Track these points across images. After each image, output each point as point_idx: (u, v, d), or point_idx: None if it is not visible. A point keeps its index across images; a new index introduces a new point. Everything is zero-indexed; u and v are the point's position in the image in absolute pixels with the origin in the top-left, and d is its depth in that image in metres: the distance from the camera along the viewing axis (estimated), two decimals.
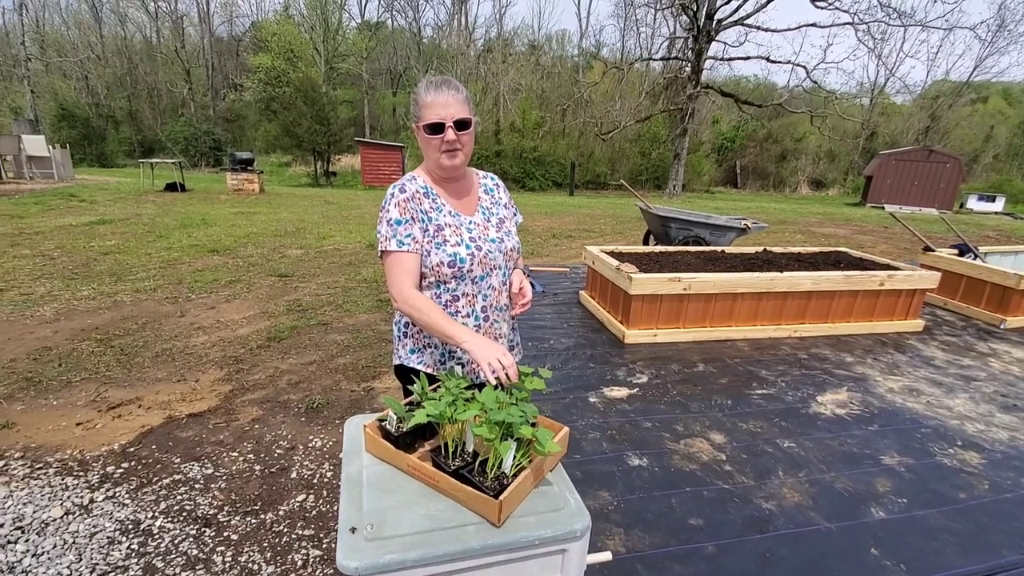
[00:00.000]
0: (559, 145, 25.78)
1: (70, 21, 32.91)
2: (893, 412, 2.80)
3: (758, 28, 21.63)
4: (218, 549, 1.94)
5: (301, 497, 2.26)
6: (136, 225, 8.74)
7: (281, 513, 2.16)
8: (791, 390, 3.02)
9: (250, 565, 1.87)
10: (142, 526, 2.04)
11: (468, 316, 1.41)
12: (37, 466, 2.39)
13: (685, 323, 3.75)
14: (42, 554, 1.87)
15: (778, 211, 16.44)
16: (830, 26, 21.01)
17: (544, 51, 36.11)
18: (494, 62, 30.21)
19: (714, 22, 21.06)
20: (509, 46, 33.96)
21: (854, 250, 4.93)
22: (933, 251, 4.82)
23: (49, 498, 2.17)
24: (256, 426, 2.82)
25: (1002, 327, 4.24)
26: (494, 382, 1.17)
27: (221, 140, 29.32)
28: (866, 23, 20.14)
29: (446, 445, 1.08)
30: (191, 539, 1.99)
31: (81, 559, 1.85)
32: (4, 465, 2.39)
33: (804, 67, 21.73)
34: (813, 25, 20.89)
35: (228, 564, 1.87)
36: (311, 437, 2.73)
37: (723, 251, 4.76)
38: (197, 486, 2.30)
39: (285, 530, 2.06)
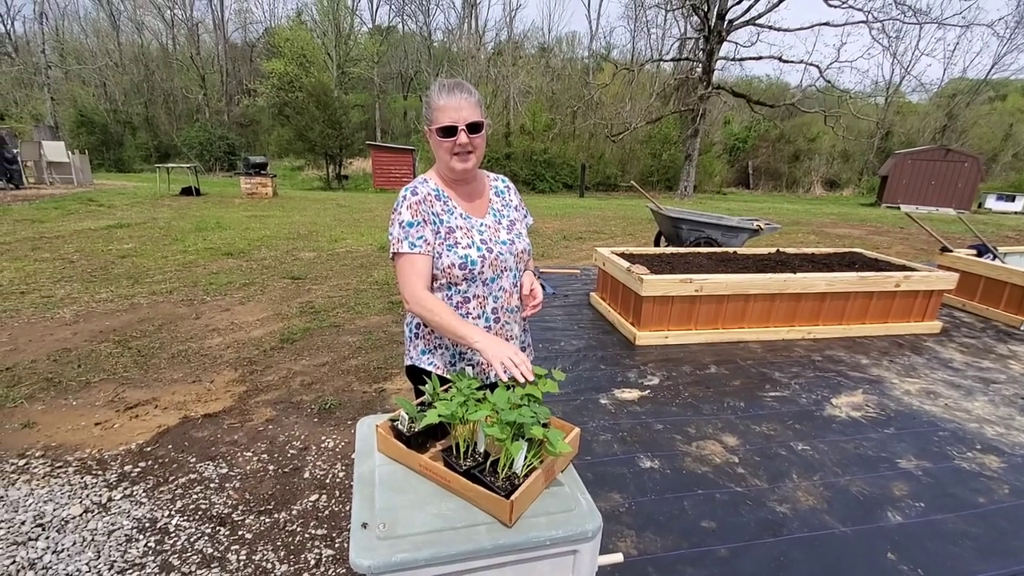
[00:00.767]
0: (569, 147, 25.76)
1: (89, 29, 33.65)
2: (910, 415, 2.76)
3: (770, 28, 21.45)
4: (233, 548, 1.97)
5: (314, 497, 2.28)
6: (152, 229, 8.89)
7: (294, 512, 2.18)
8: (805, 392, 2.99)
9: (264, 564, 1.89)
10: (159, 524, 2.07)
11: (479, 318, 1.42)
12: (57, 465, 2.44)
13: (697, 325, 3.73)
14: (62, 551, 1.90)
15: (791, 212, 16.27)
16: (844, 24, 20.75)
17: (554, 53, 36.14)
18: (504, 65, 30.30)
19: (725, 22, 20.92)
20: (519, 49, 34.05)
21: (869, 251, 4.86)
22: (951, 252, 4.74)
23: (69, 496, 2.21)
24: (270, 427, 2.85)
25: (1022, 329, 4.16)
26: (507, 380, 1.17)
27: (235, 145, 29.73)
28: (880, 21, 19.87)
29: (457, 445, 1.09)
30: (206, 537, 2.01)
31: (100, 556, 1.89)
32: (26, 464, 2.44)
33: (817, 66, 21.48)
34: (826, 24, 20.65)
35: (243, 563, 1.90)
36: (324, 438, 2.76)
37: (735, 252, 4.72)
38: (212, 485, 2.33)
39: (298, 529, 2.08)
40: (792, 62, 22.28)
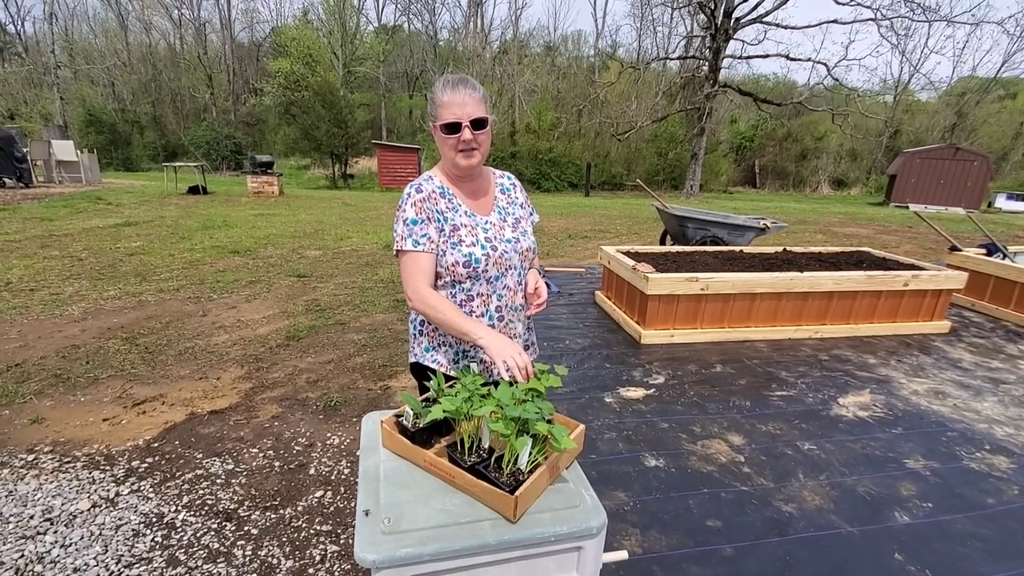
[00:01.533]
0: (575, 146, 25.70)
1: (97, 29, 33.90)
2: (918, 415, 2.74)
3: (777, 26, 21.30)
4: (239, 543, 1.98)
5: (319, 493, 2.29)
6: (160, 227, 8.95)
7: (300, 509, 2.19)
8: (812, 392, 2.98)
9: (269, 559, 1.90)
10: (165, 519, 2.09)
11: (483, 316, 1.41)
12: (66, 460, 2.46)
13: (703, 323, 3.72)
14: (70, 545, 1.92)
15: (798, 211, 16.17)
16: (852, 22, 20.55)
17: (560, 52, 36.07)
18: (510, 64, 30.26)
19: (732, 20, 20.81)
20: (525, 47, 34.01)
21: (877, 250, 4.83)
22: (960, 251, 4.70)
23: (77, 491, 2.23)
24: (275, 423, 2.87)
25: None
26: (508, 379, 1.17)
27: (242, 144, 29.87)
28: (889, 19, 19.71)
29: (462, 441, 1.09)
30: (213, 533, 2.02)
31: (107, 551, 1.90)
32: (34, 459, 2.46)
33: (825, 64, 21.32)
34: (834, 22, 20.49)
35: (248, 558, 1.90)
36: (329, 434, 2.77)
37: (741, 251, 4.70)
38: (218, 481, 2.35)
39: (304, 525, 2.09)
40: (800, 60, 22.15)
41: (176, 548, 1.94)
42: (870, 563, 1.72)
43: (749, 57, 23.12)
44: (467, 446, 1.08)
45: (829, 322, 3.87)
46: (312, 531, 2.06)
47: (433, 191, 1.38)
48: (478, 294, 1.40)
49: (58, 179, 15.57)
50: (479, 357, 1.45)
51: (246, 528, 2.06)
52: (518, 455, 1.00)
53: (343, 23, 31.02)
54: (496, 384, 1.44)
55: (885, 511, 1.98)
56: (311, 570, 1.86)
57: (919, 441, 2.48)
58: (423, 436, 1.13)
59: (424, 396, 1.30)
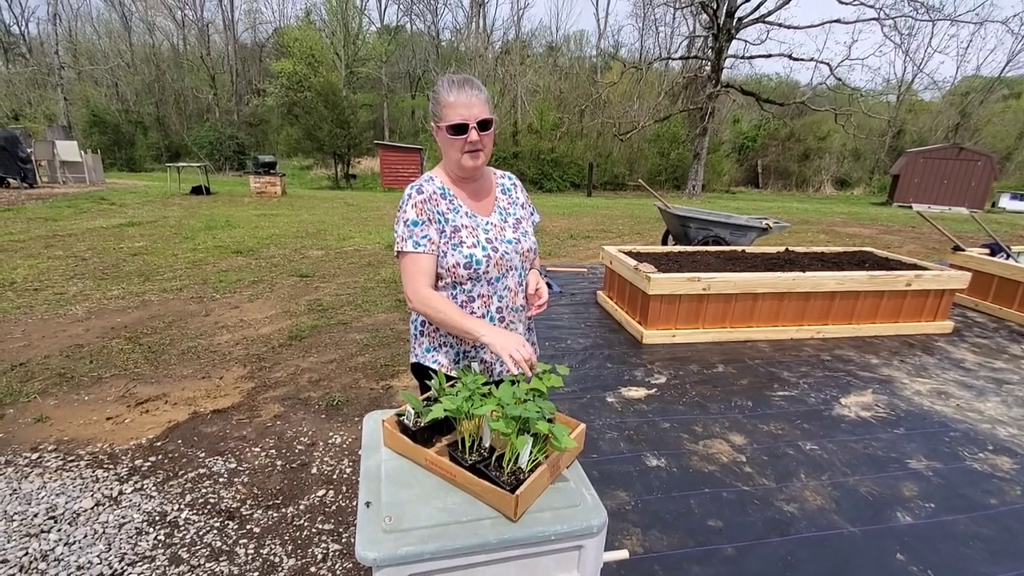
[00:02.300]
0: (577, 146, 25.69)
1: (101, 30, 34.01)
2: (920, 415, 2.73)
3: (780, 25, 21.25)
4: (241, 541, 1.98)
5: (321, 492, 2.30)
6: (163, 227, 8.98)
7: (302, 507, 2.20)
8: (814, 392, 2.97)
9: (272, 558, 1.91)
10: (168, 518, 2.09)
11: (483, 317, 1.42)
12: (69, 459, 2.47)
13: (704, 323, 3.71)
14: (73, 543, 1.93)
15: (801, 211, 16.13)
16: (855, 22, 20.50)
17: (562, 52, 36.06)
18: (512, 64, 30.26)
19: (735, 20, 20.77)
20: (527, 48, 34.01)
21: (880, 250, 4.82)
22: (963, 251, 4.68)
23: (80, 489, 2.24)
24: (278, 422, 2.88)
25: None
26: (516, 371, 1.17)
27: (244, 144, 29.94)
28: (892, 18, 19.66)
29: (463, 440, 1.09)
30: (215, 531, 2.03)
31: (110, 548, 1.91)
32: (38, 457, 2.47)
33: (828, 64, 21.28)
34: (837, 21, 20.44)
35: (251, 556, 1.91)
36: (331, 434, 2.77)
37: (743, 251, 4.69)
38: (221, 480, 2.36)
39: (305, 524, 2.10)
40: (802, 60, 22.09)
41: (179, 547, 1.95)
42: (872, 563, 1.72)
43: (752, 57, 23.10)
44: (468, 445, 1.09)
45: (831, 322, 3.86)
46: (314, 530, 2.06)
47: (434, 192, 1.38)
48: (479, 295, 1.40)
49: (62, 179, 15.64)
50: (480, 357, 1.46)
51: (248, 527, 2.07)
52: (519, 454, 1.01)
53: (346, 24, 31.07)
54: (497, 383, 1.44)
55: (887, 511, 1.97)
56: (313, 568, 1.87)
57: (921, 441, 2.47)
58: (424, 435, 1.14)
59: (425, 395, 1.30)
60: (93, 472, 2.37)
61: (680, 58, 26.65)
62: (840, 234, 10.88)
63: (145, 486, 2.29)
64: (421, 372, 1.51)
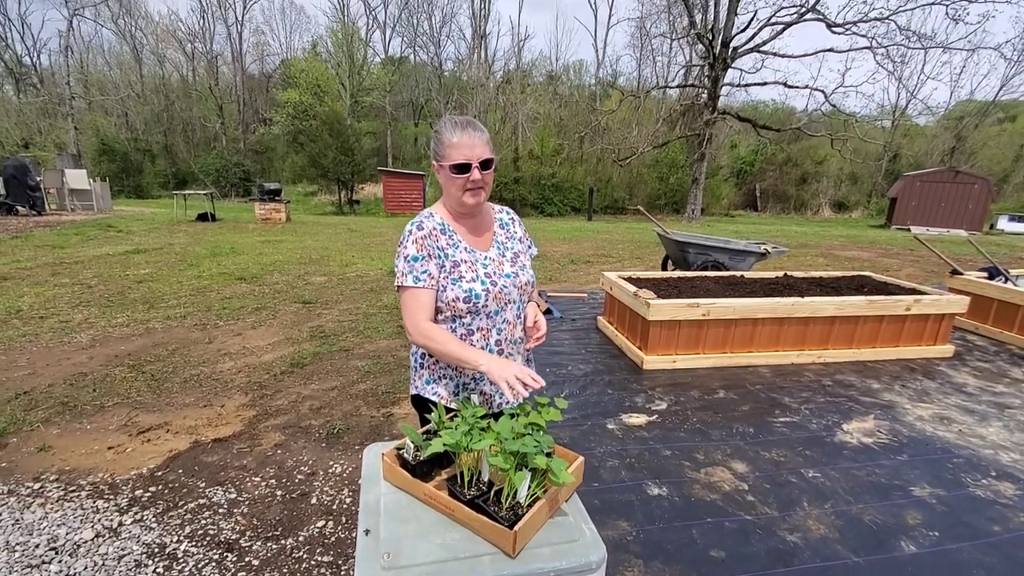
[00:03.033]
0: (577, 171, 26.05)
1: (112, 62, 34.94)
2: (923, 441, 2.72)
3: (774, 55, 21.75)
4: (239, 574, 1.97)
5: (321, 523, 2.29)
6: (169, 254, 9.08)
7: (301, 539, 2.18)
8: (815, 418, 2.96)
9: None
10: (167, 550, 2.09)
11: (483, 349, 1.45)
12: (71, 489, 2.47)
13: (705, 349, 3.72)
14: (74, 575, 1.92)
15: (799, 234, 16.23)
16: (847, 51, 20.98)
17: (562, 81, 36.82)
18: (513, 92, 30.91)
19: (730, 50, 21.27)
20: (527, 77, 34.75)
21: (879, 274, 4.84)
22: (961, 274, 4.71)
23: (81, 520, 2.24)
24: (278, 451, 2.87)
25: None
26: (513, 400, 1.20)
27: (250, 171, 30.44)
28: (885, 47, 20.10)
29: (462, 474, 1.11)
30: (214, 564, 2.02)
31: None
32: (40, 487, 2.48)
33: (823, 91, 21.66)
34: (830, 50, 20.90)
35: None
36: (331, 463, 2.77)
37: (742, 276, 4.73)
38: (221, 511, 2.35)
39: (304, 556, 2.08)
40: (797, 87, 22.50)
41: None
42: None
43: (747, 85, 23.55)
44: (467, 479, 1.10)
45: (832, 347, 3.87)
46: (313, 562, 2.05)
47: (434, 228, 1.43)
48: (478, 328, 1.43)
49: (70, 207, 15.87)
50: (479, 389, 1.48)
51: (247, 559, 2.06)
52: (517, 489, 1.02)
53: (351, 55, 31.90)
54: (497, 416, 1.46)
55: (891, 540, 1.96)
56: None
57: (925, 468, 2.46)
58: (424, 469, 1.15)
59: (425, 428, 1.32)
60: (94, 503, 2.37)
61: (677, 86, 27.20)
62: (839, 257, 10.92)
63: (145, 517, 2.28)
64: (421, 404, 1.53)
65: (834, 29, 20.12)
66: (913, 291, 4.17)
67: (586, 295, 6.06)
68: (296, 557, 2.08)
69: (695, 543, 1.94)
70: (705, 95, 22.55)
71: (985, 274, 4.78)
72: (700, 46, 22.32)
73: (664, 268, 7.53)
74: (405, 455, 1.18)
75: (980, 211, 20.13)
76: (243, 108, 34.85)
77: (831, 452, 2.60)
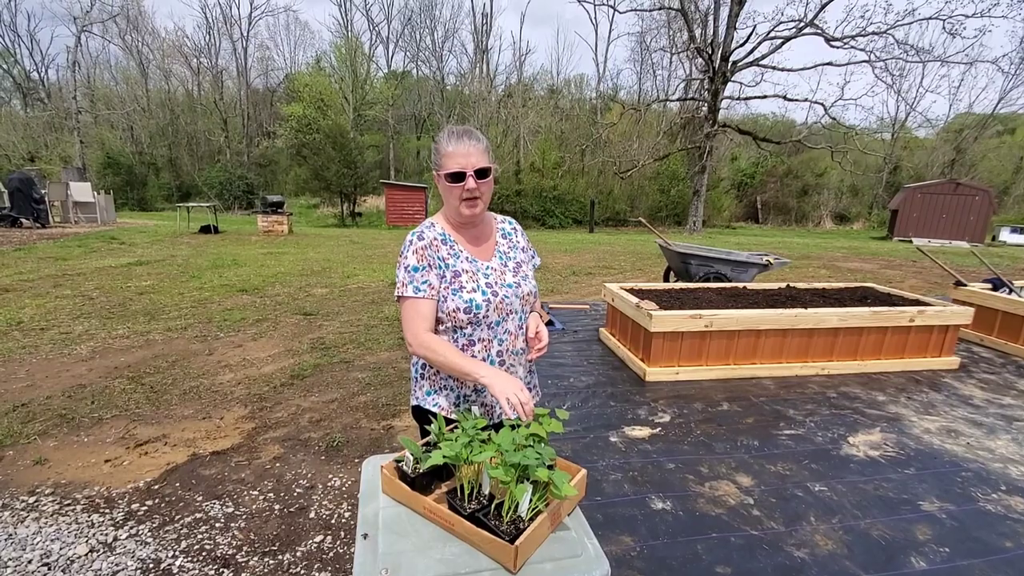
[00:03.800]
0: (578, 184, 26.17)
1: (119, 77, 35.40)
2: (931, 454, 2.68)
3: (774, 68, 21.96)
4: None
5: (319, 538, 2.25)
6: (171, 266, 9.10)
7: (299, 554, 2.15)
8: (821, 430, 2.92)
9: None
10: (163, 565, 2.05)
11: (484, 361, 1.43)
12: (66, 502, 2.44)
13: (708, 360, 3.69)
14: None
15: (801, 246, 16.22)
16: (846, 64, 21.18)
17: (563, 94, 37.16)
18: (514, 106, 31.19)
19: (729, 63, 21.48)
20: (529, 91, 35.08)
21: (882, 285, 4.82)
22: (964, 286, 4.69)
23: (76, 535, 2.20)
24: (277, 464, 2.84)
25: None
26: (512, 415, 1.18)
27: (254, 184, 30.64)
28: (883, 60, 20.28)
29: (462, 487, 1.09)
30: None
31: None
32: (35, 501, 2.44)
33: (822, 104, 21.82)
34: (829, 64, 21.09)
35: None
36: (331, 476, 2.73)
37: (745, 287, 4.71)
38: (217, 525, 2.31)
39: (302, 572, 2.05)
40: (797, 100, 22.68)
41: None
42: None
43: (747, 98, 23.73)
44: (467, 492, 1.08)
45: (836, 358, 3.83)
46: None
47: (435, 238, 1.42)
48: (479, 339, 1.41)
49: (74, 219, 15.95)
50: (480, 400, 1.46)
51: (243, 575, 2.02)
52: (518, 502, 1.00)
53: (354, 70, 32.26)
54: (497, 428, 1.44)
55: (901, 556, 1.91)
56: None
57: (933, 482, 2.42)
58: (423, 481, 1.13)
59: (425, 440, 1.30)
60: (89, 517, 2.34)
61: (678, 100, 27.42)
62: (841, 269, 10.90)
63: (140, 532, 2.25)
64: (421, 415, 1.51)
65: (832, 43, 20.33)
66: (917, 302, 4.15)
67: (588, 306, 6.04)
68: (293, 573, 2.04)
69: (700, 559, 1.90)
70: (705, 108, 22.73)
71: (989, 286, 4.75)
72: (700, 60, 22.55)
73: (666, 280, 7.52)
74: (404, 468, 1.16)
75: (981, 223, 20.13)
76: (247, 122, 35.19)
77: (837, 465, 2.56)
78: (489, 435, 1.14)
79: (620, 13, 24.20)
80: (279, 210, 15.30)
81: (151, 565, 2.05)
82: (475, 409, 1.43)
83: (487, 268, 1.44)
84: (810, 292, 4.58)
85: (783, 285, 4.80)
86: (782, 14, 25.83)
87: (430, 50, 37.69)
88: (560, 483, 0.99)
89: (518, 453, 1.02)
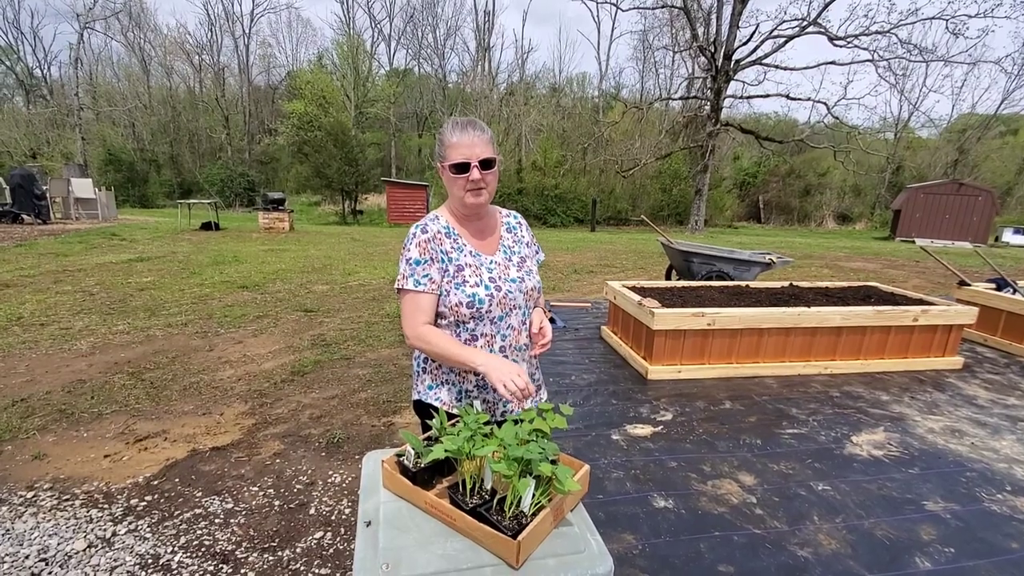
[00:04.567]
0: (580, 182, 26.13)
1: (121, 74, 35.40)
2: (935, 454, 2.66)
3: (776, 67, 21.90)
4: None
5: (319, 534, 2.24)
6: (172, 262, 9.09)
7: (298, 550, 2.13)
8: (824, 430, 2.91)
9: None
10: (161, 561, 2.04)
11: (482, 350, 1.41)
12: (64, 498, 2.43)
13: (710, 359, 3.68)
14: None
15: (803, 245, 16.18)
16: (849, 63, 21.10)
17: (565, 93, 37.10)
18: (516, 104, 31.15)
19: (732, 62, 21.42)
20: (531, 89, 35.05)
21: (885, 284, 4.80)
22: (968, 286, 4.66)
23: (74, 530, 2.19)
24: (277, 460, 2.83)
25: None
26: (510, 399, 1.17)
27: (255, 181, 30.64)
28: (886, 60, 20.21)
29: (464, 482, 1.07)
30: (208, 575, 1.97)
31: None
32: (33, 496, 2.43)
33: (825, 103, 21.77)
34: (832, 63, 21.04)
35: None
36: (331, 472, 2.72)
37: (747, 286, 4.69)
38: (217, 521, 2.30)
39: (302, 568, 2.03)
40: (799, 99, 22.64)
41: None
42: None
43: (750, 97, 23.69)
44: (469, 487, 1.06)
45: (839, 358, 3.81)
46: (310, 574, 2.00)
47: (438, 232, 1.40)
48: (482, 334, 1.40)
49: (75, 215, 15.96)
50: (483, 397, 1.44)
51: (243, 571, 2.01)
52: (521, 497, 0.98)
53: (356, 67, 32.25)
54: (500, 423, 1.42)
55: (905, 556, 1.90)
56: None
57: (937, 482, 2.40)
58: (424, 476, 1.12)
59: (426, 435, 1.28)
60: (87, 512, 2.32)
61: (680, 98, 27.36)
62: (844, 268, 10.87)
63: (139, 527, 2.24)
64: (423, 410, 1.50)
65: (836, 42, 20.26)
66: (921, 301, 4.12)
67: (589, 304, 6.02)
68: (293, 569, 2.02)
69: (703, 557, 1.89)
70: (708, 107, 22.67)
71: (993, 285, 4.73)
72: (703, 59, 22.50)
73: (668, 278, 7.50)
74: (406, 462, 1.15)
75: (984, 223, 20.07)
76: (248, 119, 35.18)
77: (841, 465, 2.55)
78: (491, 429, 1.12)
79: (623, 11, 24.21)
80: (280, 207, 15.29)
81: (150, 560, 2.04)
82: (477, 404, 1.41)
83: (491, 263, 1.42)
84: (813, 291, 4.55)
85: (786, 284, 4.78)
86: (785, 12, 25.82)
87: (432, 48, 37.67)
88: (563, 478, 0.97)
89: (521, 447, 1.01)
